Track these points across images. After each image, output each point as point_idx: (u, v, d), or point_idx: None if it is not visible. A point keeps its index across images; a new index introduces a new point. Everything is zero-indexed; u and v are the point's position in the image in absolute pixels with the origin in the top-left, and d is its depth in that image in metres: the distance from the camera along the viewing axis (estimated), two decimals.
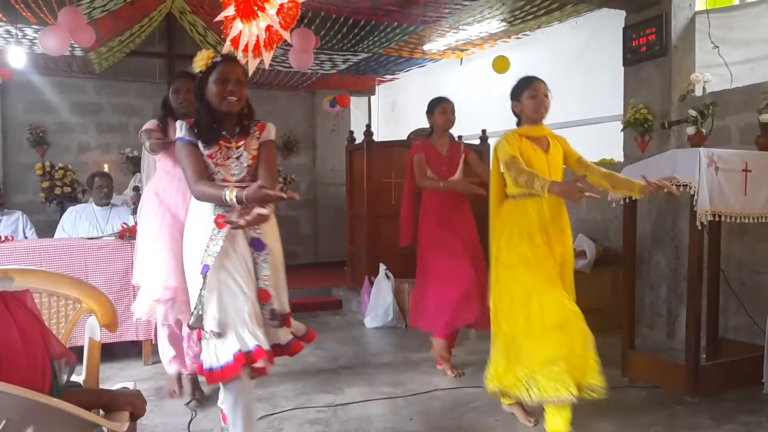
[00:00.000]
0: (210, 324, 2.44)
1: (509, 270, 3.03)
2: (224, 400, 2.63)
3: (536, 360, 2.87)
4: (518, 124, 3.21)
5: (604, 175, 3.08)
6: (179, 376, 3.65)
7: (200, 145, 2.51)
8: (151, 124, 3.52)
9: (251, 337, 2.42)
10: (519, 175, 2.86)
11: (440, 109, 4.16)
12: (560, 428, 2.89)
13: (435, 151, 4.17)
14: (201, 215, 2.52)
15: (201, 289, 2.45)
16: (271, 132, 2.64)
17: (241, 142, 2.56)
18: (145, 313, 3.53)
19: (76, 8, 5.33)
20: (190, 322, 2.52)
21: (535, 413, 3.18)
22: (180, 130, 2.53)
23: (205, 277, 2.43)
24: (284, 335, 2.63)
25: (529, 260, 2.97)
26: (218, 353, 2.43)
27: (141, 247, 3.59)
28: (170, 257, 3.29)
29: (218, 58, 2.54)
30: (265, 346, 2.42)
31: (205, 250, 2.45)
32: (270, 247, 2.56)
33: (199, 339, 2.57)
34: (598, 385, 2.85)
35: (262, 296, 2.54)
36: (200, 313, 2.45)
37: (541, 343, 2.87)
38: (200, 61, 2.53)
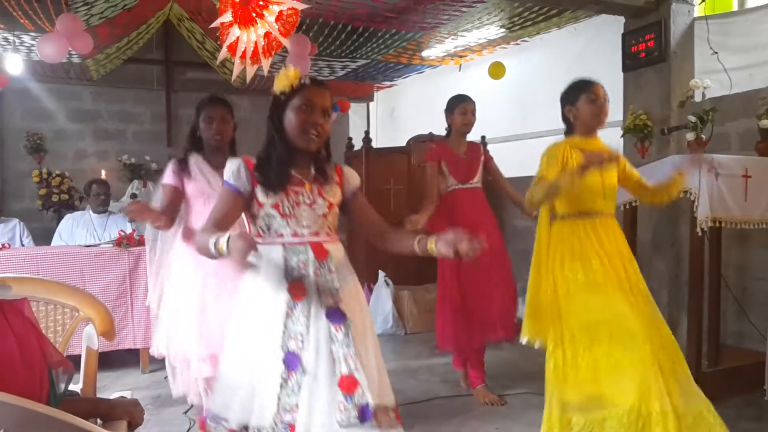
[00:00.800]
0: None
1: (564, 299, 2.62)
2: None
3: (603, 403, 2.46)
4: (567, 132, 2.87)
5: (654, 191, 2.91)
6: None
7: (260, 193, 1.97)
8: (168, 175, 2.94)
9: None
10: (535, 193, 2.57)
11: (460, 109, 3.93)
12: None
13: (452, 152, 3.93)
14: (266, 281, 1.95)
15: (284, 385, 1.84)
16: (355, 179, 2.15)
17: (315, 186, 2.02)
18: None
19: (74, 15, 5.32)
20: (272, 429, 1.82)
21: None
22: (229, 172, 1.98)
23: (291, 371, 1.85)
24: None
25: (584, 287, 2.59)
26: None
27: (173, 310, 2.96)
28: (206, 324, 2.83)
29: (306, 81, 2.01)
30: None
31: (284, 332, 1.87)
32: (351, 318, 1.94)
33: None
34: None
35: (345, 385, 1.83)
36: (286, 419, 1.81)
37: (609, 385, 2.48)
38: (284, 79, 1.99)
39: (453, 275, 3.78)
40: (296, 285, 1.91)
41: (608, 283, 2.58)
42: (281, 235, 1.95)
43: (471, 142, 4.06)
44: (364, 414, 1.83)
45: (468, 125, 3.96)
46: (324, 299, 1.92)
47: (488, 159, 4.05)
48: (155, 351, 3.07)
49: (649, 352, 2.46)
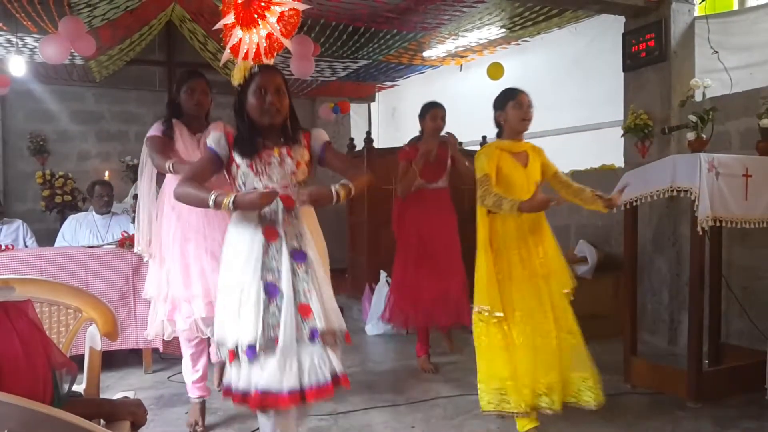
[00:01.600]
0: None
1: (496, 284, 3.02)
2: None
3: (516, 374, 2.93)
4: (499, 135, 3.23)
5: (576, 192, 3.17)
6: (203, 405, 3.34)
7: (237, 157, 2.42)
8: (156, 129, 3.24)
9: (284, 375, 2.27)
10: (487, 197, 2.92)
11: (431, 114, 4.26)
12: None
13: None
14: (245, 228, 2.40)
15: (266, 309, 2.31)
16: (322, 135, 2.56)
17: (284, 149, 2.44)
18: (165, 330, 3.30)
19: (76, 18, 5.34)
20: (261, 344, 2.28)
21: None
22: (212, 139, 2.45)
23: (271, 297, 2.32)
24: (334, 363, 2.34)
25: (510, 276, 3.01)
26: (251, 379, 2.30)
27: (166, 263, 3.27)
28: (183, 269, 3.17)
29: (255, 69, 2.45)
30: (297, 385, 2.25)
31: (262, 267, 2.34)
32: (311, 259, 2.39)
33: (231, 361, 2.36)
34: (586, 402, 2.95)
35: (302, 311, 2.33)
36: (271, 335, 2.29)
37: (516, 360, 2.95)
38: (238, 73, 2.46)
39: (409, 265, 4.27)
40: (269, 229, 2.38)
41: (524, 274, 3.02)
42: (255, 189, 2.37)
43: (441, 144, 4.30)
44: (313, 335, 2.32)
45: (438, 129, 4.27)
46: (289, 241, 2.37)
47: (453, 156, 4.33)
48: (145, 294, 3.42)
49: (548, 333, 2.96)
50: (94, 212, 5.46)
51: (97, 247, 4.51)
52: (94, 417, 1.64)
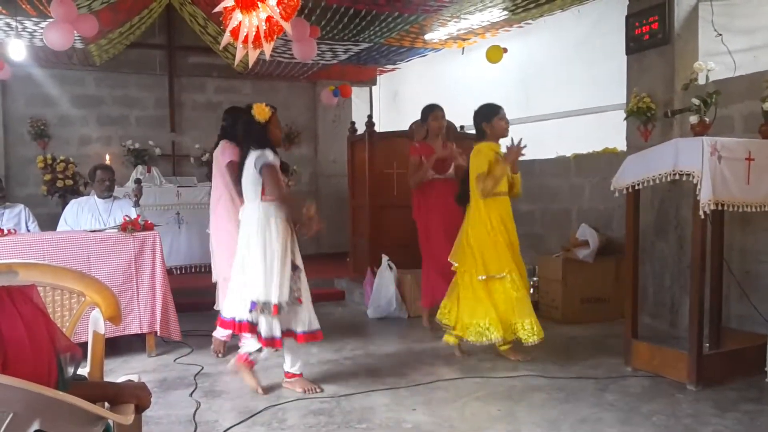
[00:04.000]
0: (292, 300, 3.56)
1: (485, 247, 4.10)
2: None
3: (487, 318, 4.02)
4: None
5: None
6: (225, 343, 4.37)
7: None
8: (234, 154, 4.19)
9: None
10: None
11: (433, 116, 4.94)
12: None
13: (431, 150, 4.90)
14: (280, 223, 3.55)
15: (296, 281, 3.56)
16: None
17: None
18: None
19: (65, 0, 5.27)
20: (286, 301, 3.49)
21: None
22: (275, 157, 3.60)
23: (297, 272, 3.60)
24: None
25: (495, 244, 4.08)
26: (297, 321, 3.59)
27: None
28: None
29: (274, 110, 3.66)
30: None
31: (291, 251, 3.58)
32: None
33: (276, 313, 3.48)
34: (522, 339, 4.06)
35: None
36: (296, 295, 3.54)
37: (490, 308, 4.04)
38: (264, 113, 3.59)
39: (432, 244, 4.94)
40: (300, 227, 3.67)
41: (507, 244, 4.10)
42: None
43: (445, 141, 4.97)
44: None
45: (441, 128, 4.99)
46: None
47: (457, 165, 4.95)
48: (214, 278, 4.57)
49: (521, 291, 4.07)
50: (95, 196, 5.45)
51: (100, 231, 4.52)
52: (98, 400, 1.64)
